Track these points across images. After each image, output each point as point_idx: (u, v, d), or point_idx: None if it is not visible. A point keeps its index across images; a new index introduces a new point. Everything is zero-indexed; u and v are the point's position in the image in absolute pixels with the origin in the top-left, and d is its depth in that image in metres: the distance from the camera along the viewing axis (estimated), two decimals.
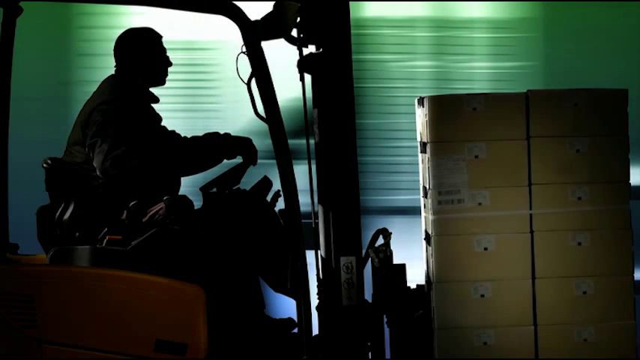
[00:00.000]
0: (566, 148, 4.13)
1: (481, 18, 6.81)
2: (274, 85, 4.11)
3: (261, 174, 4.21)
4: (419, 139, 4.42)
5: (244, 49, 4.08)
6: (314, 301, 4.13)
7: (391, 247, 4.22)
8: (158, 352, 3.88)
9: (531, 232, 4.13)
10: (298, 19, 4.05)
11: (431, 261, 4.18)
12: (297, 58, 4.11)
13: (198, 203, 4.16)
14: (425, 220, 4.38)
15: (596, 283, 4.13)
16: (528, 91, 4.18)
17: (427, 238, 4.32)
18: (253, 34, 4.05)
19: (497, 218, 4.13)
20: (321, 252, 4.22)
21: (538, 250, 4.13)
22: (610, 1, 6.75)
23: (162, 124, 4.39)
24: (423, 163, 4.34)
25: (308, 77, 4.10)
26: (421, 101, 4.26)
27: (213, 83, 6.62)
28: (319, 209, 4.23)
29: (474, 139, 4.11)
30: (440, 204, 4.13)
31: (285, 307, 4.38)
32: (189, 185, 4.36)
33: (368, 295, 4.18)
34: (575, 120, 4.13)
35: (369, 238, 4.25)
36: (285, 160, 3.96)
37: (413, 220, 5.27)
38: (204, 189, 4.20)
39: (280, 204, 4.25)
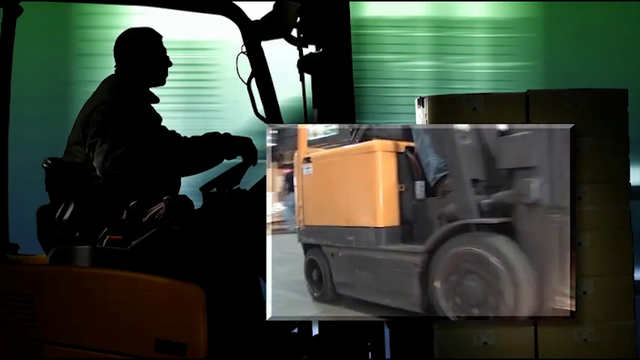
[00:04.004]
0: None
1: (481, 18, 6.82)
2: (274, 85, 4.11)
3: (261, 174, 4.21)
4: None
5: (244, 49, 4.08)
6: None
7: None
8: (158, 352, 3.88)
9: None
10: (298, 19, 4.05)
11: None
12: (297, 58, 4.11)
13: (198, 203, 4.15)
14: None
15: (596, 283, 4.12)
16: (528, 91, 4.17)
17: None
18: (253, 34, 4.05)
19: None
20: None
21: None
22: (610, 1, 6.76)
23: (163, 124, 4.39)
24: None
25: (308, 77, 4.10)
26: (421, 101, 4.26)
27: (213, 83, 6.63)
28: None
29: None
30: None
31: None
32: (189, 185, 4.35)
33: None
34: (575, 120, 4.12)
35: None
36: None
37: None
38: (204, 189, 4.20)
39: None
